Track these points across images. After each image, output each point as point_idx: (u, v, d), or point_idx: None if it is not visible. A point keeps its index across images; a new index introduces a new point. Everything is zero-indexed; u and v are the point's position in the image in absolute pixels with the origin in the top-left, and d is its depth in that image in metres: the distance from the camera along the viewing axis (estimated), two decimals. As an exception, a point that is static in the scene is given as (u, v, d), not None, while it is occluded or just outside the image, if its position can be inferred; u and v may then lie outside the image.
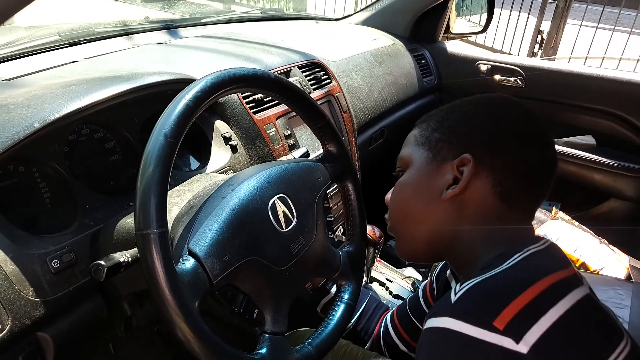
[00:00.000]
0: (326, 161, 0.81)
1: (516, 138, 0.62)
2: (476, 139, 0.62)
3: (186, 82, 0.86)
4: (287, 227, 0.67)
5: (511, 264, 0.54)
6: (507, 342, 0.45)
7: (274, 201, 0.67)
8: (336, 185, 0.84)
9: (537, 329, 0.46)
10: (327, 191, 0.81)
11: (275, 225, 0.66)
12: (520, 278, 0.52)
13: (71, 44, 1.17)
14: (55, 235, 0.71)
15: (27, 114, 0.65)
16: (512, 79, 1.74)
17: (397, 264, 1.51)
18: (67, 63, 1.05)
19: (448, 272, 0.77)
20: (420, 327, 0.84)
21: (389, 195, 0.71)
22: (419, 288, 1.21)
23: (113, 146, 0.87)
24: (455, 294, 0.52)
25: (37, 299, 0.65)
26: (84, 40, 1.20)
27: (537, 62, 1.75)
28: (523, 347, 0.45)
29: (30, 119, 0.64)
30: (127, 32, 1.33)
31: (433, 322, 0.51)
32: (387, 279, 1.24)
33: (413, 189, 0.66)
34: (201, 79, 0.61)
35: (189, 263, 0.56)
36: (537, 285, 0.50)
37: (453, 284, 0.74)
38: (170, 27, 1.47)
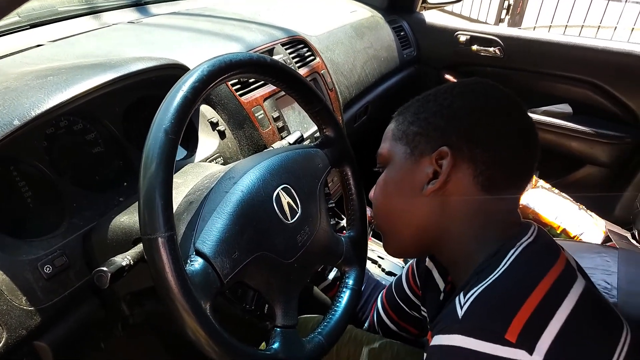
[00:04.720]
0: (324, 146, 0.78)
1: (495, 126, 0.60)
2: (453, 130, 0.60)
3: (172, 67, 0.81)
4: (292, 218, 0.65)
5: (508, 263, 0.53)
6: (520, 354, 0.44)
7: (278, 192, 0.65)
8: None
9: (547, 336, 0.46)
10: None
11: (281, 217, 0.64)
12: (521, 282, 0.51)
13: (32, 25, 1.08)
14: (44, 238, 0.66)
15: (3, 110, 0.60)
16: (490, 49, 1.74)
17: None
18: (32, 47, 0.98)
19: (427, 260, 0.76)
20: (406, 309, 0.84)
21: (372, 192, 0.69)
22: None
23: (94, 137, 0.82)
24: (461, 307, 0.50)
25: (32, 308, 0.61)
26: (46, 20, 1.11)
27: (516, 31, 1.74)
28: (537, 358, 0.44)
29: (7, 116, 0.59)
30: (93, 11, 1.24)
31: (442, 340, 0.49)
32: (379, 257, 1.25)
33: (394, 186, 0.64)
34: (196, 68, 0.57)
35: (197, 264, 0.54)
36: (540, 288, 0.50)
37: (435, 272, 0.73)
38: (138, 3, 1.38)
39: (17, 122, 0.58)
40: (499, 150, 0.59)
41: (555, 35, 1.67)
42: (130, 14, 1.32)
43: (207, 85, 0.56)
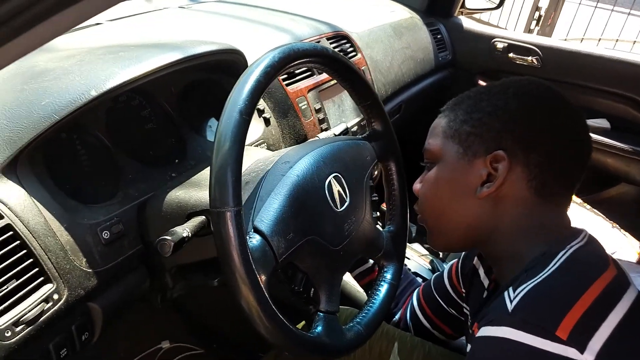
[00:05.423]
0: (372, 139, 0.80)
1: (551, 130, 0.60)
2: (509, 133, 0.60)
3: (230, 53, 0.84)
4: (341, 206, 0.68)
5: (558, 264, 0.53)
6: (571, 352, 0.44)
7: (330, 180, 0.67)
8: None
9: (599, 336, 0.46)
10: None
11: (332, 204, 0.66)
12: (574, 282, 0.51)
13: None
14: (103, 205, 0.70)
15: (81, 80, 0.63)
16: (528, 58, 1.74)
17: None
18: (92, 25, 1.01)
19: (475, 259, 0.77)
20: (444, 305, 0.86)
21: (417, 185, 0.69)
22: (437, 266, 1.24)
23: (149, 114, 0.85)
24: (511, 300, 0.50)
25: (90, 270, 0.65)
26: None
27: (555, 42, 1.74)
28: (588, 357, 0.44)
29: (85, 86, 0.62)
30: (146, -7, 1.28)
31: (489, 331, 0.49)
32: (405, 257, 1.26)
33: (445, 185, 0.64)
34: (267, 54, 0.59)
35: (255, 240, 0.56)
36: (593, 289, 0.50)
37: (480, 270, 0.75)
38: (187, -11, 1.42)
39: (93, 93, 0.61)
40: (554, 155, 0.59)
41: (596, 49, 1.65)
42: (180, -2, 1.35)
43: (277, 71, 0.59)
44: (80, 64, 0.66)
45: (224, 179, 0.51)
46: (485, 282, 0.72)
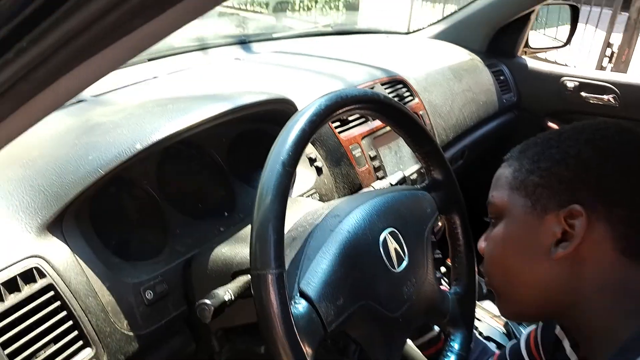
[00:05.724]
0: (432, 190, 0.73)
1: (635, 179, 0.51)
2: (582, 185, 0.52)
3: (280, 102, 0.81)
4: (398, 266, 0.60)
5: None
6: None
7: (385, 236, 0.60)
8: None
9: None
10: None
11: (387, 264, 0.59)
12: None
13: (150, 59, 1.16)
14: (147, 262, 0.67)
15: (127, 134, 0.62)
16: (604, 97, 1.60)
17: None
18: (150, 79, 1.04)
19: (558, 328, 0.67)
20: None
21: (482, 244, 0.62)
22: (513, 330, 1.10)
23: (199, 166, 0.83)
24: None
25: (131, 333, 0.61)
26: (162, 55, 1.20)
27: (634, 79, 1.60)
28: None
29: (131, 140, 0.61)
30: (202, 47, 1.32)
31: None
32: (476, 318, 1.13)
33: (513, 244, 0.57)
34: (314, 102, 0.55)
35: (301, 306, 0.51)
36: None
37: (565, 343, 0.64)
38: (243, 42, 1.45)
39: (139, 146, 0.60)
40: None
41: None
42: (236, 51, 1.38)
43: (323, 119, 0.55)
44: (129, 118, 0.66)
45: (265, 237, 0.46)
46: (573, 358, 0.61)
